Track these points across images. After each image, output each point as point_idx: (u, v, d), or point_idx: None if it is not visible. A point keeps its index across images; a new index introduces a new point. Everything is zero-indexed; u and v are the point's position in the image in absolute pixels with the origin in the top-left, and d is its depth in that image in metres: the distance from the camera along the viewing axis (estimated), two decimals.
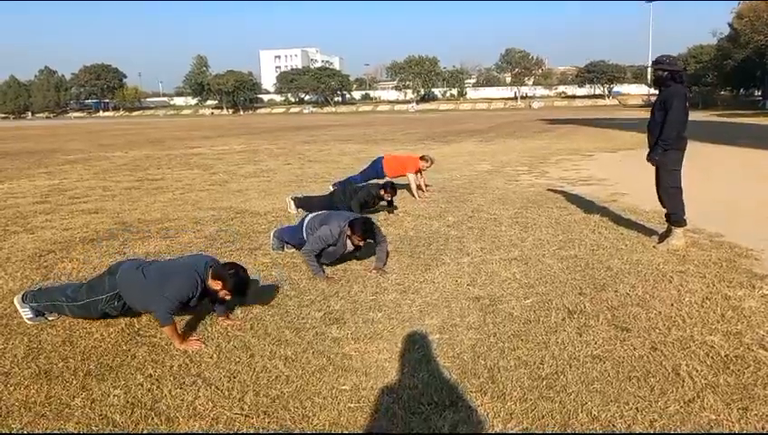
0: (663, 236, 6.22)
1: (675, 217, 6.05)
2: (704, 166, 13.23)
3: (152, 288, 3.89)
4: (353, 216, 5.60)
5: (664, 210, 6.23)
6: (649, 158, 6.11)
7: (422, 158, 9.66)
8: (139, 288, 3.94)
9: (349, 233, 5.29)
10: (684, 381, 3.27)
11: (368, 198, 7.77)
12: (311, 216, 5.84)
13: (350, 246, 5.42)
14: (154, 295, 3.85)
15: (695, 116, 39.79)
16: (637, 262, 5.55)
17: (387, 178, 8.95)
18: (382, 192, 7.80)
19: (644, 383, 3.25)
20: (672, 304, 4.43)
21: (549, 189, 10.06)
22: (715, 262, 5.51)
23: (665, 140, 5.87)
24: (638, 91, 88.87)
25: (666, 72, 5.95)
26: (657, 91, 6.23)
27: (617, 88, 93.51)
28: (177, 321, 3.95)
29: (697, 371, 3.39)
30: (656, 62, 6.09)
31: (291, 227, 6.23)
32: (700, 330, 3.97)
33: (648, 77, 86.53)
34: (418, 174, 9.55)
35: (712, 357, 3.56)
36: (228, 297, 4.08)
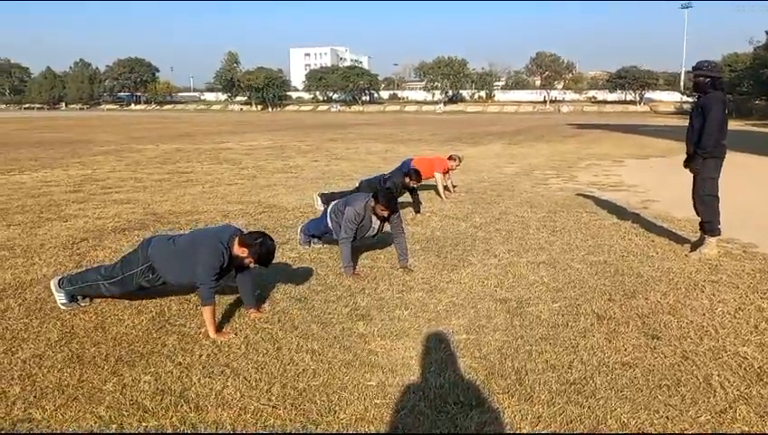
0: (695, 245, 6.12)
1: (709, 226, 5.94)
2: (738, 175, 12.97)
3: (182, 258, 3.99)
4: (375, 192, 5.60)
5: (698, 218, 6.13)
6: (688, 165, 6.00)
7: (450, 157, 9.64)
8: (171, 257, 4.06)
9: (372, 204, 5.33)
10: (715, 391, 3.22)
11: (395, 189, 7.74)
12: (333, 203, 5.90)
13: (375, 221, 5.45)
14: (185, 267, 3.94)
15: (730, 125, 39.07)
16: (668, 270, 5.47)
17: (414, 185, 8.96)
18: (407, 179, 7.76)
19: (675, 392, 3.20)
20: (704, 314, 4.36)
21: (578, 194, 9.96)
22: (749, 272, 5.40)
23: (703, 147, 5.78)
24: (671, 99, 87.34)
25: (707, 79, 5.86)
26: (690, 99, 6.17)
27: (648, 94, 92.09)
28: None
29: (729, 381, 3.33)
30: (696, 68, 5.99)
31: (316, 221, 6.27)
32: (732, 340, 3.90)
33: (682, 84, 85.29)
34: (446, 174, 9.52)
35: (745, 368, 3.50)
36: (252, 265, 4.11)
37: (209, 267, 3.90)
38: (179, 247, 4.09)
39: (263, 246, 4.01)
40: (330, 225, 5.69)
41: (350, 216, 5.34)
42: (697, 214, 6.12)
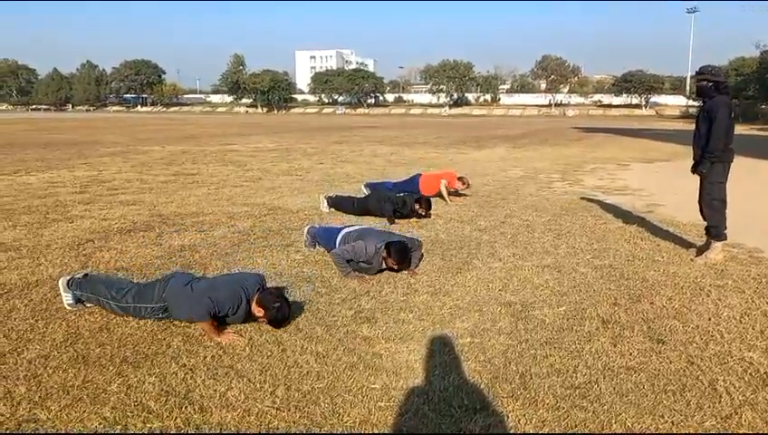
0: (701, 250, 6.10)
1: (715, 230, 5.92)
2: (744, 180, 12.93)
3: (197, 297, 3.94)
4: (391, 237, 5.52)
5: (703, 223, 6.11)
6: (696, 170, 5.98)
7: (460, 179, 9.52)
8: (185, 302, 3.97)
9: (384, 255, 5.25)
10: (721, 396, 3.21)
11: (402, 208, 7.74)
12: (347, 230, 5.81)
13: (383, 265, 5.37)
14: (198, 300, 3.91)
15: (736, 130, 38.93)
16: (674, 274, 5.45)
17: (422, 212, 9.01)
18: (417, 207, 7.77)
19: (680, 397, 3.19)
20: (710, 319, 4.35)
21: (583, 198, 9.94)
22: (755, 277, 5.38)
23: (711, 152, 5.75)
24: (677, 102, 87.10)
25: (710, 83, 5.84)
26: (696, 103, 6.17)
27: (654, 98, 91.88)
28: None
29: (735, 387, 3.31)
30: (699, 73, 5.97)
31: (325, 230, 6.23)
32: (738, 345, 3.88)
33: (687, 88, 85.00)
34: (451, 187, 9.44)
35: (750, 374, 3.48)
36: (263, 322, 4.07)
37: (216, 301, 3.87)
38: (197, 293, 4.01)
39: (279, 311, 3.96)
40: (336, 249, 5.62)
41: (358, 250, 5.24)
42: (704, 218, 6.10)
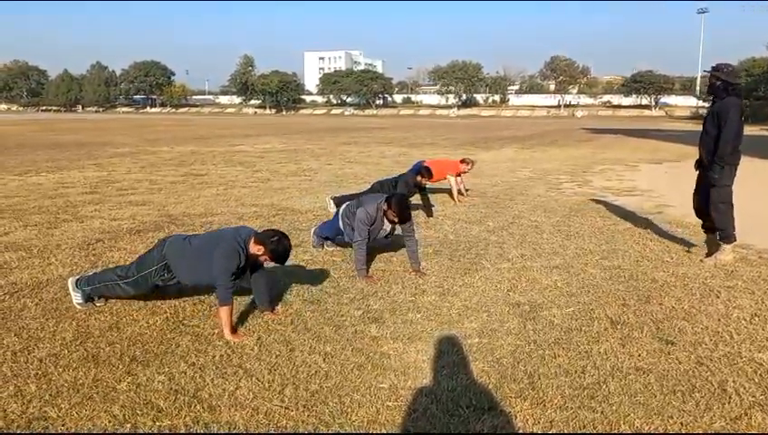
0: (711, 251, 6.05)
1: (724, 233, 5.87)
2: (754, 181, 12.86)
3: (198, 258, 4.01)
4: (389, 195, 5.57)
5: (708, 223, 6.06)
6: (708, 176, 5.88)
7: (463, 160, 9.62)
8: (186, 256, 4.07)
9: (385, 208, 5.31)
10: (730, 397, 3.19)
11: (407, 190, 7.73)
12: (345, 205, 5.88)
13: (386, 225, 5.45)
14: (201, 267, 3.97)
15: (746, 130, 38.65)
16: (683, 275, 5.42)
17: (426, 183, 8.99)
18: (419, 177, 7.73)
19: (689, 398, 3.18)
20: (719, 320, 4.32)
21: (592, 199, 9.91)
22: (765, 278, 5.35)
23: (720, 156, 5.67)
24: (686, 103, 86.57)
25: (720, 83, 5.73)
26: (705, 103, 6.14)
27: (664, 99, 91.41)
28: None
29: (745, 388, 3.29)
30: (714, 69, 5.81)
31: (328, 224, 6.28)
32: (748, 347, 3.86)
33: (697, 88, 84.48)
34: (458, 177, 9.51)
35: (760, 375, 3.46)
36: (268, 262, 4.13)
37: (226, 267, 3.93)
38: (195, 247, 4.12)
39: (279, 243, 4.04)
40: (342, 226, 5.70)
41: (361, 217, 5.34)
42: (705, 220, 6.09)
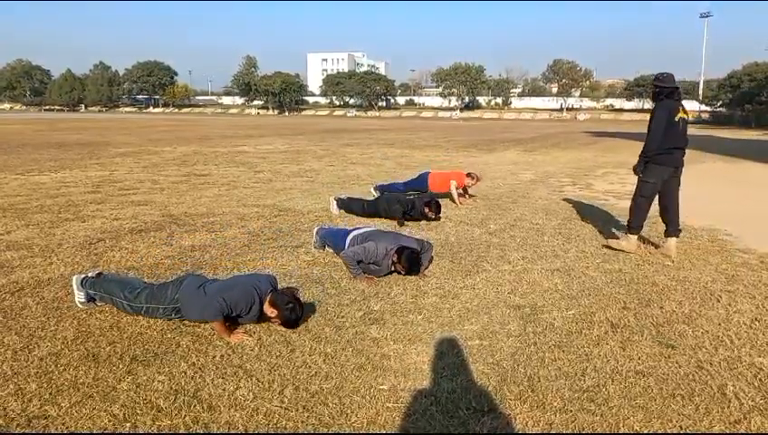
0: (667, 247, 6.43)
1: (633, 224, 6.39)
2: (755, 186, 12.88)
3: (210, 298, 3.96)
4: (402, 241, 5.48)
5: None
6: (634, 168, 6.43)
7: (468, 175, 9.58)
8: (197, 303, 3.99)
9: (395, 259, 5.26)
10: (730, 401, 3.19)
11: (412, 211, 7.75)
12: (356, 232, 5.81)
13: (393, 268, 5.37)
14: (210, 301, 3.93)
15: (746, 135, 38.59)
16: (684, 279, 5.42)
17: (430, 192, 9.03)
18: (426, 210, 7.77)
19: (689, 402, 3.18)
20: (720, 324, 4.32)
21: (594, 202, 9.90)
22: (766, 283, 5.35)
23: (645, 152, 6.21)
24: (690, 107, 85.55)
25: (658, 89, 6.30)
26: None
27: None
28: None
29: (745, 392, 3.29)
30: (655, 78, 6.45)
31: (335, 231, 6.25)
32: (748, 351, 3.86)
33: (700, 93, 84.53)
34: (461, 188, 9.48)
35: (760, 379, 3.46)
36: (276, 323, 4.10)
37: (230, 301, 3.89)
38: (209, 295, 4.02)
39: (292, 312, 3.98)
40: (346, 247, 5.63)
41: (369, 250, 5.26)
42: (663, 220, 6.50)
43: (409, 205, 7.79)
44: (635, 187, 6.50)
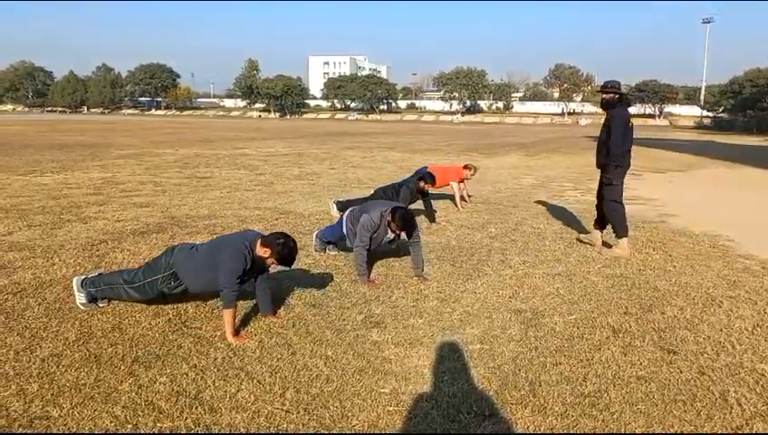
0: (596, 243, 6.87)
1: (618, 228, 6.59)
2: (757, 191, 12.87)
3: (204, 264, 4.03)
4: (394, 204, 5.58)
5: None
6: (603, 177, 6.68)
7: (466, 166, 9.64)
8: (193, 264, 4.09)
9: (389, 219, 5.32)
10: (732, 407, 3.19)
11: (410, 195, 7.74)
12: (349, 210, 5.89)
13: (389, 234, 5.45)
14: (208, 271, 3.99)
15: (747, 141, 38.59)
16: (685, 284, 5.42)
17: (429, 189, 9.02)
18: (421, 183, 7.72)
19: (690, 407, 3.17)
20: (721, 330, 4.32)
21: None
22: (767, 289, 5.35)
23: (612, 158, 6.46)
24: (691, 113, 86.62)
25: (616, 96, 6.54)
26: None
27: (668, 108, 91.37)
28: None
29: (746, 398, 3.29)
30: (604, 87, 6.69)
31: (331, 227, 6.29)
32: (750, 357, 3.86)
33: (702, 98, 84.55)
34: (462, 183, 9.51)
35: (762, 385, 3.46)
36: (275, 265, 4.16)
37: (232, 270, 3.94)
38: (202, 254, 4.14)
39: (284, 245, 4.05)
40: (345, 231, 5.71)
41: (365, 223, 5.35)
42: (599, 215, 6.88)
43: (409, 193, 7.72)
44: (606, 196, 6.62)
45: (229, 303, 3.91)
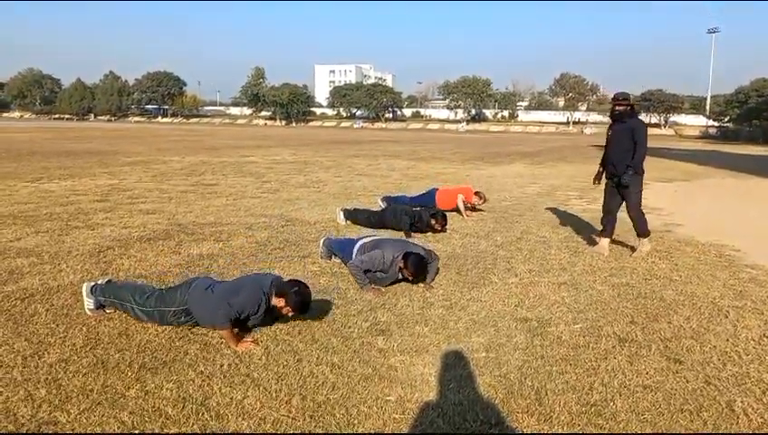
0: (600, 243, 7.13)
1: (641, 230, 6.94)
2: (763, 201, 12.84)
3: (219, 304, 3.98)
4: (408, 247, 5.51)
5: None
6: (622, 182, 6.88)
7: (476, 193, 9.58)
8: (206, 304, 4.03)
9: (401, 265, 5.28)
10: (738, 417, 3.18)
11: (419, 223, 7.77)
12: (364, 240, 5.82)
13: (399, 276, 5.40)
14: (218, 306, 3.96)
15: (753, 150, 38.46)
16: (691, 294, 5.41)
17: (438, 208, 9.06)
18: (433, 222, 7.78)
19: (696, 417, 3.17)
20: (728, 339, 4.31)
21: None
22: None
23: (637, 165, 6.77)
24: (696, 123, 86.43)
25: (629, 107, 6.84)
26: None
27: (674, 118, 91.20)
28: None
29: (753, 408, 3.28)
30: (615, 99, 6.96)
31: (341, 241, 6.28)
32: (757, 367, 3.85)
33: (708, 108, 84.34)
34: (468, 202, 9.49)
35: None
36: (290, 314, 4.16)
37: (238, 305, 3.94)
38: (216, 296, 4.06)
39: (298, 294, 4.05)
40: (354, 260, 5.65)
41: (374, 257, 5.29)
42: (603, 224, 7.18)
43: (416, 217, 7.81)
44: (632, 201, 6.92)
45: (221, 326, 3.93)
